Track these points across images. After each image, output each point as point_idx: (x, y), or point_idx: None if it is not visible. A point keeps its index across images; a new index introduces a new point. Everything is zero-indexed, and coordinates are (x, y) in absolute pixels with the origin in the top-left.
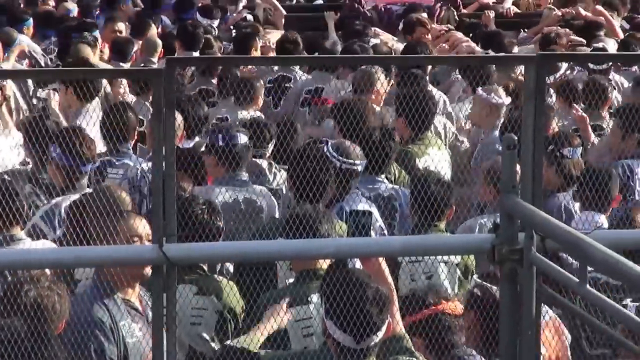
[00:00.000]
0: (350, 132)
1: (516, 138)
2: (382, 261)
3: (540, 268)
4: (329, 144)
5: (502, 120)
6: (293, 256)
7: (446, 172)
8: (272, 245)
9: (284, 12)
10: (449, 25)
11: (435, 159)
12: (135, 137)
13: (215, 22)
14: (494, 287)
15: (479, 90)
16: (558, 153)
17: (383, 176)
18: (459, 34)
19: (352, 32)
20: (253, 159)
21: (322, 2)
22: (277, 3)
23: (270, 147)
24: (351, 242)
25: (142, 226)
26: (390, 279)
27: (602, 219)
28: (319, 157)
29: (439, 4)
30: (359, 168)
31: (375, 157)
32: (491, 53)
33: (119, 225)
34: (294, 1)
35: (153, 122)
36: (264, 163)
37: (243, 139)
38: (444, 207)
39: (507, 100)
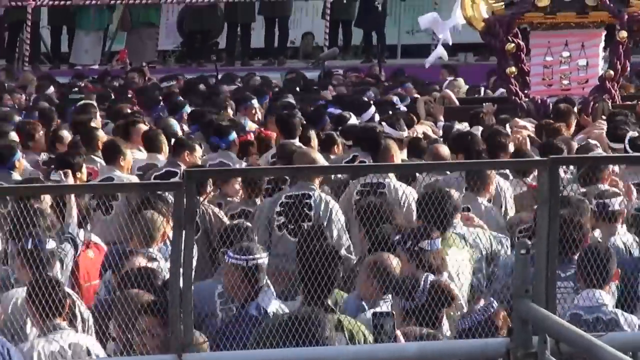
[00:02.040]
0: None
1: (530, 243)
2: None
3: None
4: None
5: None
6: None
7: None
8: (293, 353)
9: (457, 103)
10: (603, 116)
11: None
12: None
13: None
14: None
15: None
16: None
17: None
18: (604, 124)
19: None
20: None
21: (482, 94)
22: (452, 96)
23: None
24: (369, 349)
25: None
26: None
27: (604, 295)
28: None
29: (592, 96)
30: (264, 261)
31: None
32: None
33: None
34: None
35: (174, 233)
36: None
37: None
38: None
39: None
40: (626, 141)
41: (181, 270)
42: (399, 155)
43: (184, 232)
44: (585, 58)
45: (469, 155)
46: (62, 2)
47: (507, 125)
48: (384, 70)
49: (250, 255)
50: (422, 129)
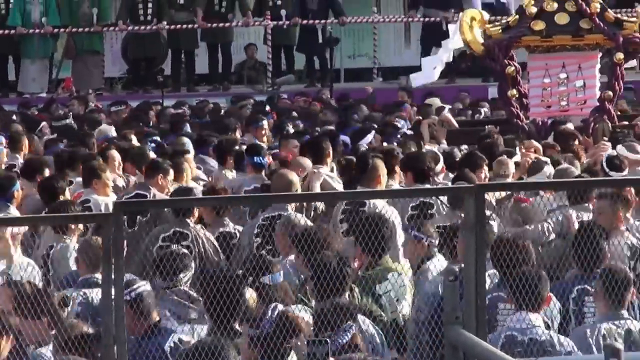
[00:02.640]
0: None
1: (458, 269)
2: None
3: None
4: None
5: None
6: None
7: (406, 296)
8: None
9: (457, 126)
10: (604, 137)
11: (396, 284)
12: None
13: None
14: None
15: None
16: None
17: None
18: (608, 145)
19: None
20: None
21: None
22: (452, 119)
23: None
24: None
25: None
26: None
27: (535, 318)
28: None
29: (592, 117)
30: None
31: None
32: None
33: None
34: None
35: (103, 267)
36: None
37: None
38: None
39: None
40: (603, 160)
41: (112, 303)
42: (385, 176)
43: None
44: (582, 79)
45: (417, 174)
46: (5, 32)
47: (517, 147)
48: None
49: (129, 287)
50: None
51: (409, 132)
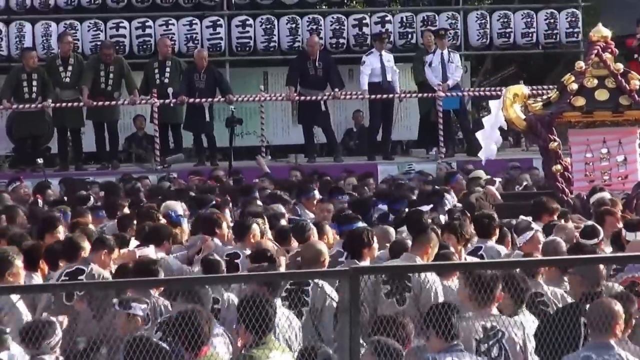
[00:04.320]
0: None
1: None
2: None
3: None
4: None
5: None
6: None
7: None
8: None
9: (500, 200)
10: None
11: None
12: None
13: None
14: None
15: None
16: None
17: None
18: None
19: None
20: None
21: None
22: (496, 193)
23: None
24: None
25: None
26: None
27: None
28: None
29: (635, 192)
30: None
31: None
32: None
33: None
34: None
35: None
36: None
37: None
38: None
39: None
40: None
41: None
42: (435, 249)
43: None
44: (623, 154)
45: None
46: None
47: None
48: (224, 171)
49: None
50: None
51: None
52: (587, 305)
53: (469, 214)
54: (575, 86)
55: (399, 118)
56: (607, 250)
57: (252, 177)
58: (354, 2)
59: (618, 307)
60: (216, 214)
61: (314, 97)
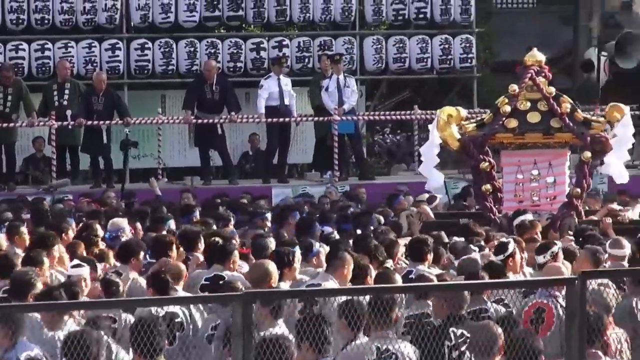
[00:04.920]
0: None
1: None
2: None
3: None
4: None
5: None
6: None
7: None
8: None
9: (434, 218)
10: (569, 231)
11: None
12: None
13: None
14: None
15: None
16: None
17: None
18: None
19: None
20: None
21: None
22: (430, 212)
23: None
24: None
25: None
26: None
27: None
28: None
29: (560, 213)
30: None
31: None
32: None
33: None
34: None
35: None
36: None
37: None
38: None
39: None
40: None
41: None
42: (350, 268)
43: None
44: (553, 176)
45: None
46: None
47: None
48: (117, 194)
49: None
50: (403, 242)
51: None
52: (452, 328)
53: (395, 234)
54: (508, 108)
55: (295, 141)
56: (527, 271)
57: (146, 199)
58: (252, 26)
59: (499, 330)
60: (169, 236)
61: (210, 120)
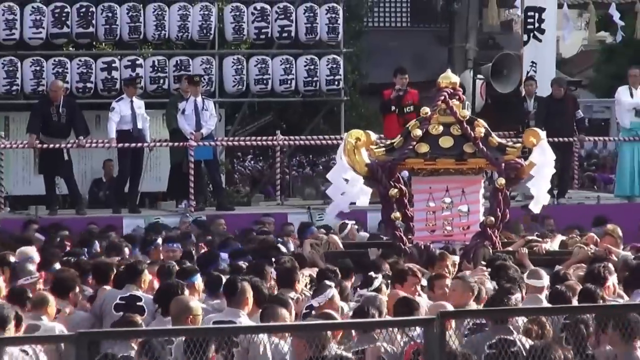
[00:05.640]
0: None
1: None
2: None
3: None
4: None
5: None
6: None
7: None
8: None
9: (342, 248)
10: (483, 262)
11: None
12: None
13: None
14: None
15: None
16: None
17: None
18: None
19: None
20: None
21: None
22: (338, 241)
23: None
24: None
25: None
26: None
27: None
28: None
29: (474, 243)
30: None
31: None
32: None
33: None
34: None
35: None
36: None
37: None
38: None
39: None
40: None
41: None
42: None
43: None
44: (466, 204)
45: None
46: None
47: None
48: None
49: None
50: (308, 272)
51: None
52: None
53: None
54: (419, 132)
55: (149, 168)
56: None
57: None
58: (103, 44)
59: None
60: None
61: (56, 145)
